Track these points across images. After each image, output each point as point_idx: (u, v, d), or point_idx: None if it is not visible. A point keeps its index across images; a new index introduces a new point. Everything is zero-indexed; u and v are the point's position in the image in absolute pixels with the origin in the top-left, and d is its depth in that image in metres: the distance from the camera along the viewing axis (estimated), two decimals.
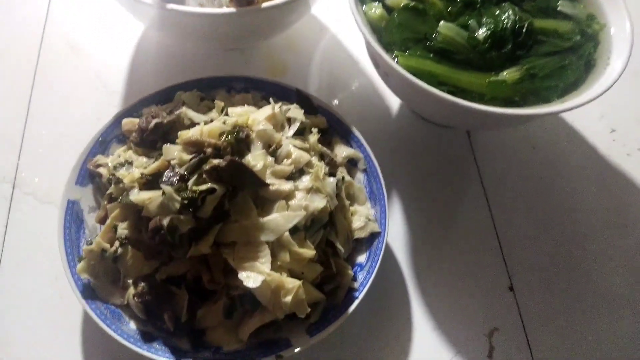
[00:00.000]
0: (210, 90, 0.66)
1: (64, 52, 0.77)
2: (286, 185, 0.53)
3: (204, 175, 0.50)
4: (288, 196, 0.53)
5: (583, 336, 0.61)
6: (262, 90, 0.66)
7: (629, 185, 0.72)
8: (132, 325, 0.53)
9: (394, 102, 0.76)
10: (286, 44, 0.79)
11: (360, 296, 0.55)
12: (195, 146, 0.52)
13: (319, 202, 0.53)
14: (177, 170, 0.51)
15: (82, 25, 0.80)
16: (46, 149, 0.69)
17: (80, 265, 0.53)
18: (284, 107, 0.60)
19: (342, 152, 0.63)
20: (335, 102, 0.75)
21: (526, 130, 0.76)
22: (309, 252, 0.51)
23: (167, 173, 0.51)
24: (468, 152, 0.73)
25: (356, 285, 0.56)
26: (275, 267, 0.50)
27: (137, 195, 0.51)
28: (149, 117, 0.57)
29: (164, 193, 0.49)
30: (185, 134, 0.53)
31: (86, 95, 0.73)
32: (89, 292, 0.53)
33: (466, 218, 0.68)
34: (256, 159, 0.53)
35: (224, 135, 0.53)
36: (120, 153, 0.58)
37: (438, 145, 0.73)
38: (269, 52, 0.79)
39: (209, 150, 0.51)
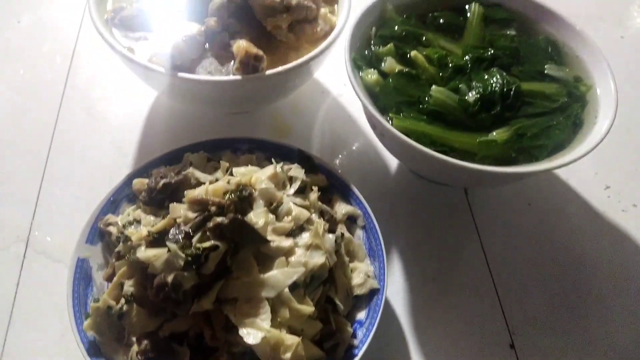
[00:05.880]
0: (217, 151, 0.69)
1: (81, 116, 0.82)
2: (286, 242, 0.55)
3: (208, 233, 0.52)
4: (288, 252, 0.55)
5: None
6: (266, 150, 0.70)
7: (625, 241, 0.73)
8: None
9: (391, 161, 0.79)
10: (290, 107, 0.84)
11: (360, 353, 0.55)
12: (200, 205, 0.55)
13: (318, 259, 0.55)
14: (182, 228, 0.53)
15: (99, 91, 0.86)
16: (60, 208, 0.72)
17: (86, 322, 0.55)
18: (286, 167, 0.64)
19: (341, 209, 0.66)
20: (337, 161, 0.79)
21: (522, 188, 0.78)
22: (308, 308, 0.53)
23: (172, 231, 0.53)
24: (465, 209, 0.75)
25: (356, 342, 0.57)
26: (275, 324, 0.51)
27: (144, 253, 0.53)
28: (158, 177, 0.61)
29: (169, 250, 0.51)
30: (191, 193, 0.56)
31: (100, 157, 0.77)
32: (94, 350, 0.54)
33: (465, 274, 0.69)
34: (258, 216, 0.56)
35: (228, 194, 0.56)
36: (129, 212, 0.61)
37: (436, 202, 0.75)
38: (273, 114, 0.83)
39: (213, 208, 0.54)
